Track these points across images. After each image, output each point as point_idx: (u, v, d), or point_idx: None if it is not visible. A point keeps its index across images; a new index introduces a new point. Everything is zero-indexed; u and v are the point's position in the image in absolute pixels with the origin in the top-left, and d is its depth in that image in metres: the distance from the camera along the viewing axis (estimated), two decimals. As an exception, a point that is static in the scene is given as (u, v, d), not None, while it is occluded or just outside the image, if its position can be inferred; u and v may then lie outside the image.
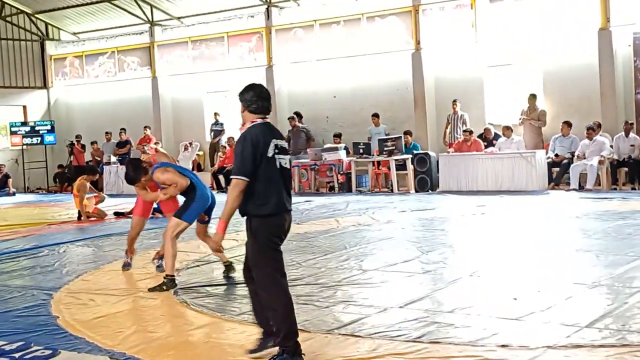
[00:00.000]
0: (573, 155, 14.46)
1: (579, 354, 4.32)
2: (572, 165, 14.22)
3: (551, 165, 14.72)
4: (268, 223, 4.39)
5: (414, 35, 17.41)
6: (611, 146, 14.29)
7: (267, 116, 4.54)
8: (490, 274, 6.83)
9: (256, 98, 4.51)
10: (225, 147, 19.23)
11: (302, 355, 4.36)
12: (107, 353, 4.70)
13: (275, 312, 4.39)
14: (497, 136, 15.66)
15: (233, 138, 19.32)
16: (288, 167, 4.53)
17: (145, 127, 20.61)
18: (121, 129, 20.79)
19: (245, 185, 4.31)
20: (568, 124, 14.92)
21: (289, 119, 18.28)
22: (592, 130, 14.28)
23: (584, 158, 14.14)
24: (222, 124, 20.20)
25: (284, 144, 4.54)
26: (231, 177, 4.36)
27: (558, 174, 14.62)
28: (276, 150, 4.41)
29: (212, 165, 19.75)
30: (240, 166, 4.32)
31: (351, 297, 6.07)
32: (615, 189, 14.02)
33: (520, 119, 15.54)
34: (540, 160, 14.30)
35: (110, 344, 4.96)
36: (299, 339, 4.41)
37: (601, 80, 15.34)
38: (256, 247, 4.43)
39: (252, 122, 4.49)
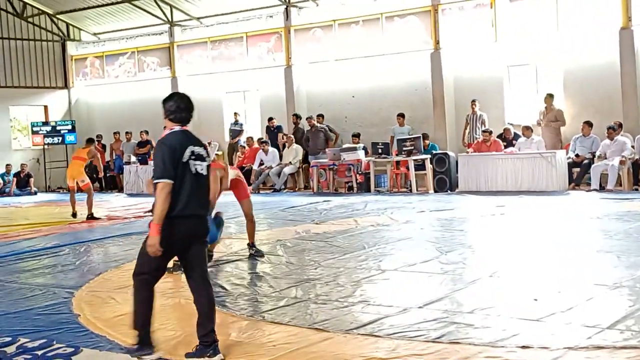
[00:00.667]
0: (594, 156, 14.34)
1: (600, 356, 4.29)
2: (593, 166, 14.11)
3: (572, 165, 14.61)
4: (173, 223, 4.53)
5: (433, 35, 17.35)
6: (632, 146, 14.15)
7: (187, 125, 4.77)
8: (510, 274, 6.79)
9: (175, 108, 4.75)
10: (244, 147, 19.31)
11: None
12: (127, 351, 4.73)
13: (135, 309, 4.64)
14: (516, 136, 15.57)
15: (252, 138, 19.40)
16: (204, 173, 4.71)
17: (165, 127, 20.68)
18: (143, 131, 20.90)
19: (170, 187, 4.49)
20: (589, 124, 14.79)
21: (307, 118, 18.30)
22: (613, 130, 14.16)
23: (605, 158, 14.02)
24: (241, 124, 20.27)
25: (202, 151, 4.74)
26: (154, 181, 4.53)
27: (579, 174, 14.51)
28: (192, 157, 4.62)
29: (231, 164, 19.81)
30: (163, 170, 4.52)
31: (370, 297, 6.07)
32: (636, 189, 13.88)
33: (537, 120, 15.45)
34: (561, 160, 14.20)
35: (131, 342, 4.98)
36: (218, 337, 4.69)
37: (622, 79, 15.20)
38: (144, 245, 4.60)
39: (171, 129, 4.73)
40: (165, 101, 4.78)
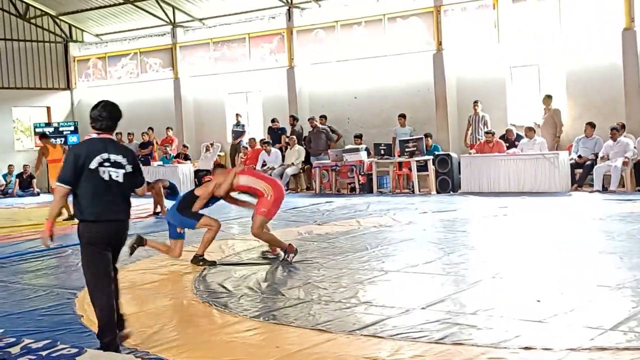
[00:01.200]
0: (596, 157, 14.34)
1: (603, 357, 4.29)
2: (595, 167, 14.11)
3: (574, 166, 14.60)
4: (89, 228, 4.77)
5: (436, 35, 17.35)
6: (635, 147, 14.15)
7: (110, 133, 4.97)
8: (513, 275, 6.79)
9: (96, 116, 4.93)
10: (246, 148, 19.31)
11: (120, 350, 4.73)
12: (131, 352, 4.74)
13: (95, 310, 4.82)
14: (519, 137, 15.56)
15: (254, 139, 19.41)
16: (120, 180, 4.85)
17: (168, 128, 20.77)
18: (149, 128, 20.94)
19: (65, 191, 4.76)
20: (591, 125, 14.79)
21: (308, 119, 18.30)
22: (616, 131, 14.15)
23: (608, 159, 14.02)
24: (243, 125, 20.28)
25: (119, 158, 4.86)
26: (56, 184, 4.82)
27: (581, 175, 14.50)
28: (105, 164, 4.79)
29: (233, 166, 19.82)
30: (62, 174, 4.77)
31: (373, 298, 6.07)
32: (639, 190, 13.87)
33: (535, 123, 15.46)
34: (563, 161, 14.19)
35: (133, 343, 5.00)
36: (120, 336, 4.84)
37: (625, 81, 15.19)
38: (82, 250, 4.87)
39: (88, 135, 4.98)
40: (91, 109, 4.97)
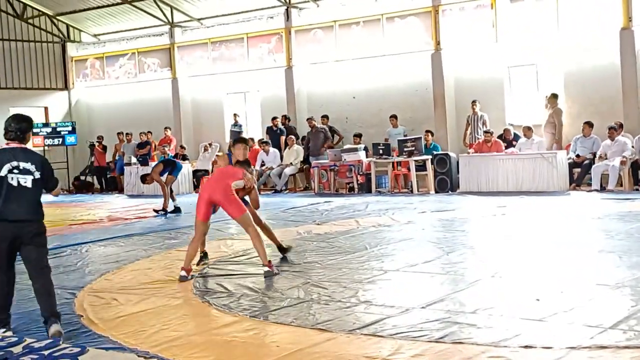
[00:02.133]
0: (594, 156, 14.36)
1: (603, 355, 4.29)
2: (593, 166, 14.12)
3: (572, 165, 14.61)
4: None
5: (434, 35, 17.36)
6: (633, 146, 14.17)
7: (22, 142, 5.50)
8: (512, 274, 6.80)
9: (5, 128, 5.49)
10: (244, 148, 19.27)
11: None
12: (132, 351, 4.73)
13: None
14: (517, 137, 15.58)
15: (253, 139, 19.40)
16: (28, 185, 5.43)
17: (166, 128, 20.77)
18: (147, 132, 20.90)
19: None
20: (589, 125, 14.80)
21: (307, 119, 18.30)
22: (614, 130, 14.17)
23: (606, 158, 14.04)
24: (240, 125, 20.28)
25: (28, 165, 5.43)
26: None
27: (579, 174, 14.52)
28: (15, 171, 5.37)
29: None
30: None
31: (372, 298, 6.08)
32: (637, 189, 13.88)
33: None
34: (562, 161, 14.21)
35: (134, 343, 5.00)
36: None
37: (623, 80, 15.21)
38: None
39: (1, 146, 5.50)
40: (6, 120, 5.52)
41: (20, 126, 5.51)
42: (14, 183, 5.35)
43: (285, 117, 19.04)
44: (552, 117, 15.39)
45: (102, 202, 17.73)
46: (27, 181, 5.40)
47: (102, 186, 21.97)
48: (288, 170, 17.84)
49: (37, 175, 5.42)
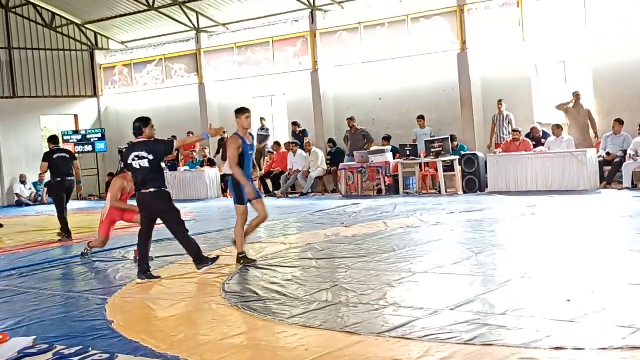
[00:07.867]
0: (625, 153, 14.17)
1: (635, 356, 4.22)
2: (624, 164, 13.94)
3: (603, 164, 14.44)
4: None
5: (460, 35, 17.28)
6: (664, 143, 13.98)
7: None
8: (542, 275, 6.73)
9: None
10: (271, 153, 19.36)
11: None
12: (161, 356, 4.77)
13: None
14: (545, 135, 15.42)
15: (279, 143, 19.45)
16: (145, 165, 7.54)
17: (189, 132, 20.84)
18: (172, 136, 21.00)
19: None
20: (620, 122, 14.62)
21: (347, 119, 18.22)
22: (645, 127, 13.99)
23: (637, 156, 13.85)
24: (267, 129, 20.35)
25: (143, 153, 7.48)
26: None
27: (610, 172, 14.34)
28: (135, 158, 7.50)
29: (260, 169, 19.88)
30: None
31: (401, 300, 6.05)
32: (669, 187, 13.70)
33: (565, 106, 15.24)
34: (592, 159, 14.05)
35: (164, 348, 5.03)
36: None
37: (653, 75, 15.02)
38: None
39: None
40: None
41: (134, 126, 7.87)
42: (137, 166, 7.59)
43: (294, 124, 19.08)
44: (584, 118, 15.11)
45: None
46: (145, 163, 7.61)
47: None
48: (314, 173, 17.84)
49: (151, 157, 7.61)
